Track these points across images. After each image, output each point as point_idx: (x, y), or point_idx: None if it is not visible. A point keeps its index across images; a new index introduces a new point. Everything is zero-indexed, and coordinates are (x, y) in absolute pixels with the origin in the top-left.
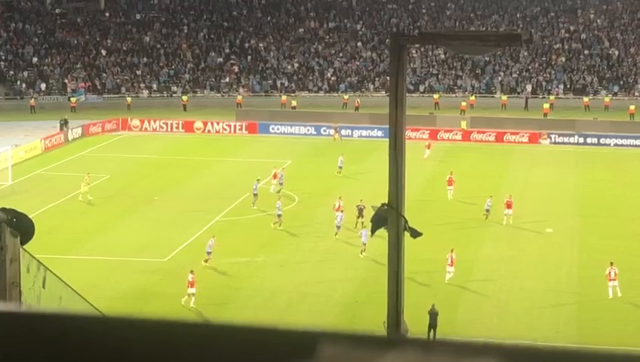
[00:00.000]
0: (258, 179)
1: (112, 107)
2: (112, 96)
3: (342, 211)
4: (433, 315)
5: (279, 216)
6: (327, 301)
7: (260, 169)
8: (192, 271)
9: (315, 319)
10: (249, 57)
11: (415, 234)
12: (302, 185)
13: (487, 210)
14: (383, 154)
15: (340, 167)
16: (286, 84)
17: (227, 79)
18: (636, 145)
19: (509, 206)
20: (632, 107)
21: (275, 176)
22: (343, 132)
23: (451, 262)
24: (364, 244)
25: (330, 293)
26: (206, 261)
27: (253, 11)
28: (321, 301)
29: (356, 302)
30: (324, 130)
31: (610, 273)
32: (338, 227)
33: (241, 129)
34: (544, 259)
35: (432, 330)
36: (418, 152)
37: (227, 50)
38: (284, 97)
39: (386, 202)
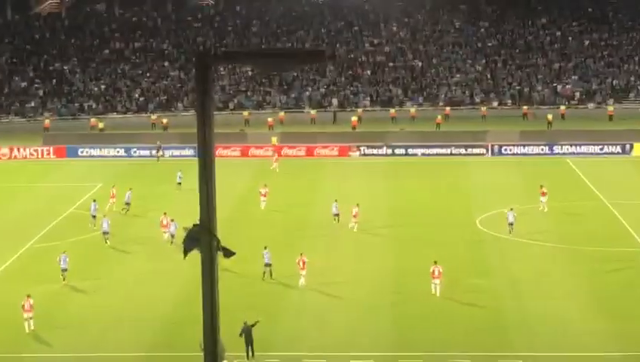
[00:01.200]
0: (94, 200)
1: None
2: None
3: (168, 226)
4: (247, 331)
5: (105, 233)
6: (144, 323)
7: (70, 193)
8: (28, 296)
9: (132, 343)
10: (54, 80)
11: (228, 253)
12: (113, 208)
13: (337, 215)
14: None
15: (179, 183)
16: (94, 106)
17: (32, 103)
18: (442, 154)
19: (355, 215)
20: (439, 117)
21: (113, 196)
22: (155, 152)
23: (302, 265)
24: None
25: (148, 315)
26: (64, 278)
27: (56, 34)
28: (137, 324)
29: (173, 323)
30: (135, 151)
31: (434, 271)
32: (172, 236)
33: (48, 154)
34: (360, 267)
35: (249, 346)
36: (240, 168)
37: (31, 74)
38: (92, 120)
39: (197, 222)
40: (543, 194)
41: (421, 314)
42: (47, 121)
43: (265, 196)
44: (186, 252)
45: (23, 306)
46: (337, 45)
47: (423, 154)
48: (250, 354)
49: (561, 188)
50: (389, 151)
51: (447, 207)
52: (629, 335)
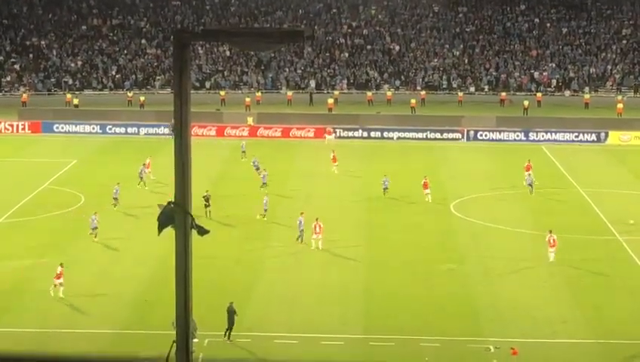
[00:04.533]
0: (144, 164)
1: None
2: None
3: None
4: (231, 313)
5: (115, 199)
6: (116, 301)
7: (45, 169)
8: (61, 264)
9: (104, 320)
10: (30, 55)
11: (202, 231)
12: (88, 184)
13: (386, 188)
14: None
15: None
16: (70, 82)
17: (8, 78)
18: (418, 138)
19: (425, 186)
20: (413, 101)
21: (148, 166)
22: (130, 130)
23: (319, 230)
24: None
25: (120, 293)
26: (95, 235)
27: (33, 8)
28: (110, 301)
29: (146, 301)
30: (110, 128)
31: (550, 240)
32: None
33: (24, 128)
34: (330, 251)
35: (229, 328)
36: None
37: (8, 49)
38: (68, 95)
39: (172, 200)
40: (528, 168)
41: (392, 298)
42: (24, 95)
43: (335, 161)
44: (160, 229)
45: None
46: (316, 27)
47: (399, 138)
48: (227, 334)
49: (536, 175)
50: (365, 134)
51: (421, 191)
52: (600, 323)
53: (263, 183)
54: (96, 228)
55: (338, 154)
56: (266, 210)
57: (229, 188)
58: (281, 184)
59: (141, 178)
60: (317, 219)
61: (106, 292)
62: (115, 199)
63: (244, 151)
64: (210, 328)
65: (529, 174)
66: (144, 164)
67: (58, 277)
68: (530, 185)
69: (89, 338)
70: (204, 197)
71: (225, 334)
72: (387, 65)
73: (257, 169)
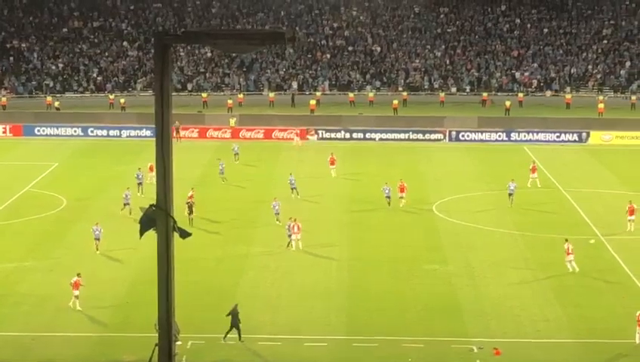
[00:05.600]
0: (139, 168)
1: None
2: None
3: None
4: (235, 315)
5: (126, 205)
6: (98, 303)
7: (26, 172)
8: (78, 274)
9: (86, 323)
10: (11, 58)
11: (184, 234)
12: (70, 187)
13: (388, 197)
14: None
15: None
16: (51, 84)
17: None
18: (399, 140)
19: (402, 190)
20: (395, 102)
21: (151, 169)
22: (112, 132)
23: (297, 230)
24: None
25: (102, 295)
26: (97, 247)
27: (14, 11)
28: (92, 303)
29: (127, 304)
30: (92, 131)
31: (568, 248)
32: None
33: (5, 131)
34: (313, 252)
35: (234, 329)
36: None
37: None
38: (49, 98)
39: (154, 203)
40: (534, 170)
41: (375, 298)
42: (4, 99)
43: (333, 164)
44: (142, 232)
45: (71, 284)
46: (297, 28)
47: (381, 139)
48: (231, 333)
49: (518, 175)
50: (347, 135)
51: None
52: (582, 321)
53: (293, 188)
54: (98, 239)
55: (323, 156)
56: (277, 214)
57: (212, 191)
58: (263, 185)
59: (140, 184)
60: (295, 220)
61: (88, 294)
62: (126, 205)
63: (236, 154)
64: (193, 331)
65: (534, 177)
66: (140, 169)
67: (76, 287)
68: (510, 194)
69: (72, 342)
70: (187, 203)
71: (239, 337)
72: (369, 66)
73: (221, 173)
